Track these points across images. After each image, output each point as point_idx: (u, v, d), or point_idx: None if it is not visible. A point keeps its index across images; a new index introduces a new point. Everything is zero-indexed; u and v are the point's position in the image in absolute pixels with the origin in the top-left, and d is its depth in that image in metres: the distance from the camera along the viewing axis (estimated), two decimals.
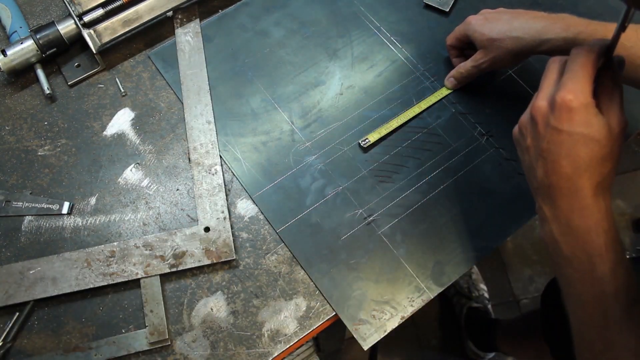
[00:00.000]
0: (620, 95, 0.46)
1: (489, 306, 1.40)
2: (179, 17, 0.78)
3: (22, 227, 0.66)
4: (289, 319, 0.62)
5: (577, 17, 0.63)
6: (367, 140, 0.69)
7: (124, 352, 0.59)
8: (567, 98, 0.44)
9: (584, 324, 0.45)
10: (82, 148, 0.71)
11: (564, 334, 0.48)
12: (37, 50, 0.71)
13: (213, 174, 0.68)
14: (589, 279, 0.44)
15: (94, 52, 0.73)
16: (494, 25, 0.66)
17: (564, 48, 0.62)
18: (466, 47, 0.72)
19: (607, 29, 0.59)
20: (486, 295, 1.42)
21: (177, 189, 0.68)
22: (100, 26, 0.73)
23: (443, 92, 0.74)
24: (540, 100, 0.47)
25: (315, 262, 0.64)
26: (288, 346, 0.61)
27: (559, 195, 0.46)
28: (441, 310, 1.45)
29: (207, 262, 0.63)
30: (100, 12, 0.73)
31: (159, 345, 0.60)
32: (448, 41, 0.74)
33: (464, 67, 0.71)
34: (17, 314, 0.61)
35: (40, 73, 0.73)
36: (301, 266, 0.64)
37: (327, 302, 0.62)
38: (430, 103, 0.73)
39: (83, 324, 0.61)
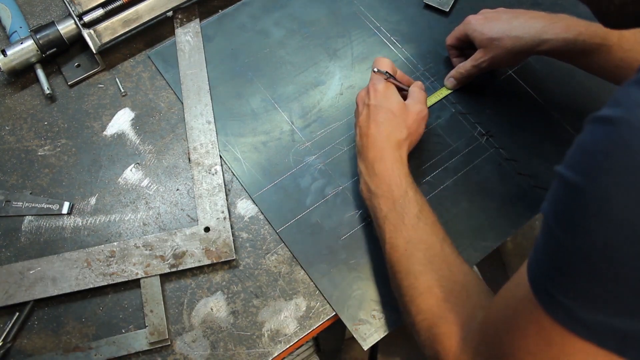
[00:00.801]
0: (420, 93, 0.65)
1: None
2: (179, 17, 0.78)
3: (22, 227, 0.66)
4: (289, 319, 0.62)
5: (577, 18, 0.62)
6: None
7: (124, 352, 0.59)
8: (373, 84, 0.64)
9: (389, 232, 0.57)
10: (82, 148, 0.71)
11: None
12: (37, 50, 0.71)
13: (213, 174, 0.68)
14: (390, 198, 0.58)
15: (94, 52, 0.73)
16: (494, 25, 0.66)
17: (563, 49, 0.62)
18: (466, 47, 0.72)
19: (606, 31, 0.59)
20: None
21: (177, 189, 0.68)
22: (100, 26, 0.73)
23: (443, 92, 0.74)
24: (362, 90, 0.66)
25: (315, 262, 0.64)
26: (288, 346, 0.61)
27: (366, 150, 0.61)
28: None
29: (207, 262, 0.63)
30: (100, 12, 0.73)
31: (159, 345, 0.60)
32: (448, 41, 0.74)
33: (463, 67, 0.71)
34: (17, 314, 0.61)
35: (40, 73, 0.73)
36: (301, 266, 0.64)
37: (327, 302, 0.62)
38: (431, 103, 0.73)
39: (83, 324, 0.61)
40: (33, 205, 0.67)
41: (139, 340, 0.60)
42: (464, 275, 0.54)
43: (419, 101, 0.64)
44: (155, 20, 0.77)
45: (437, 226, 0.57)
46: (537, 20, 0.64)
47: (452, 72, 0.73)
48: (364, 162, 0.61)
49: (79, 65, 0.75)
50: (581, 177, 0.33)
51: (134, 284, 0.63)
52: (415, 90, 0.66)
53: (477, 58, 0.69)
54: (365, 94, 0.64)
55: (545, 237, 0.36)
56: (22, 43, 0.71)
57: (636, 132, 0.30)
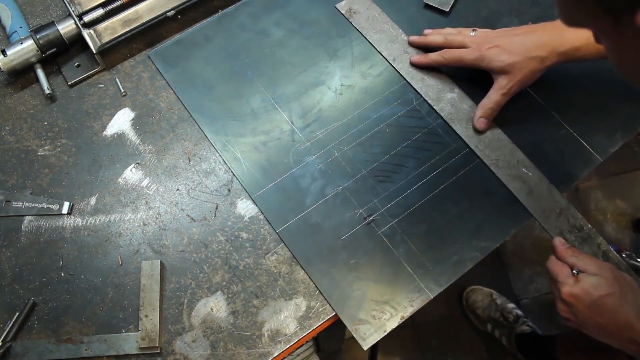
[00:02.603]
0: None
1: (530, 323, 1.34)
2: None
3: (22, 227, 0.66)
4: (289, 319, 0.62)
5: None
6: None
7: (114, 352, 0.59)
8: (574, 292, 0.58)
9: None
10: (82, 148, 0.71)
11: None
12: (37, 50, 0.71)
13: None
14: None
15: (94, 52, 0.73)
16: (511, 51, 0.66)
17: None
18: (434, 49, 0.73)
19: None
20: (518, 312, 1.36)
21: (177, 189, 0.68)
22: (100, 26, 0.73)
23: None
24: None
25: (315, 262, 0.64)
26: (288, 346, 0.61)
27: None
28: (441, 310, 1.45)
29: None
30: (100, 12, 0.73)
31: (148, 352, 0.60)
32: (430, 43, 0.72)
33: (491, 101, 0.68)
34: (17, 313, 0.61)
35: (40, 73, 0.73)
36: (301, 266, 0.64)
37: (327, 302, 0.62)
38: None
39: (83, 324, 0.61)
40: (33, 205, 0.67)
41: (130, 342, 0.60)
42: None
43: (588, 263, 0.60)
44: (155, 20, 0.77)
45: None
46: (545, 33, 0.64)
47: (480, 112, 0.69)
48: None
49: (79, 65, 0.75)
50: None
51: (135, 284, 0.63)
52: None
53: (504, 85, 0.67)
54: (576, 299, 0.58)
55: None
56: (22, 43, 0.71)
57: None
